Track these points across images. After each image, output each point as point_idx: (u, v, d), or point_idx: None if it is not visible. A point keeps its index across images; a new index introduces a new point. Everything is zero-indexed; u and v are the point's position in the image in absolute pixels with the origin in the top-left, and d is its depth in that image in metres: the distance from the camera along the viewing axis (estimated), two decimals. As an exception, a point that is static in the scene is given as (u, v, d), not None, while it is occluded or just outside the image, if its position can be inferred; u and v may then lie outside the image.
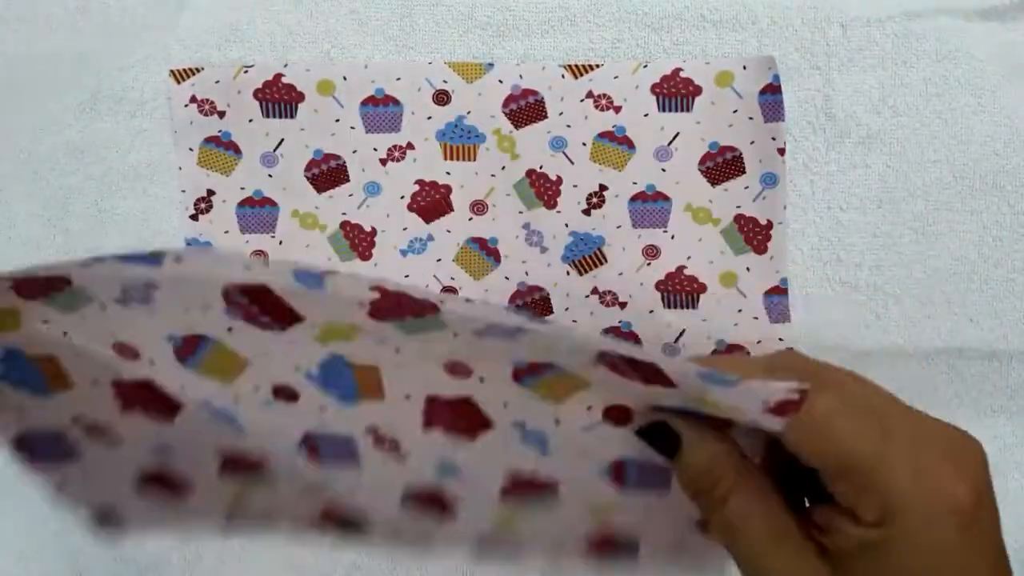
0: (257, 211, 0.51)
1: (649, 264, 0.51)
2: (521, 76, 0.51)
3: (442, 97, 0.51)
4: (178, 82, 0.51)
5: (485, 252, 0.51)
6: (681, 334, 0.50)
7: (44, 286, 0.39)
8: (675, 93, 0.51)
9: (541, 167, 0.51)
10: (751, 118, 0.50)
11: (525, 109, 0.51)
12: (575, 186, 0.50)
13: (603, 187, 0.50)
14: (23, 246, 0.50)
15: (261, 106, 0.51)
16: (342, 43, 0.51)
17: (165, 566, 0.49)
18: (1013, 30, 0.52)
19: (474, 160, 0.51)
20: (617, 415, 0.37)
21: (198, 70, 0.51)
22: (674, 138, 0.51)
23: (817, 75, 0.51)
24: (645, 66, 0.51)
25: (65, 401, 0.43)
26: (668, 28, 0.51)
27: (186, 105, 0.50)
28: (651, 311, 0.50)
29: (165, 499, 0.45)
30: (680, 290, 0.50)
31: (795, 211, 0.50)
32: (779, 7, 0.51)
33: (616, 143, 0.51)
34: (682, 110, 0.51)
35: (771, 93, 0.50)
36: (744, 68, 0.51)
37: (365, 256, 0.50)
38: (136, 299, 0.39)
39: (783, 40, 0.51)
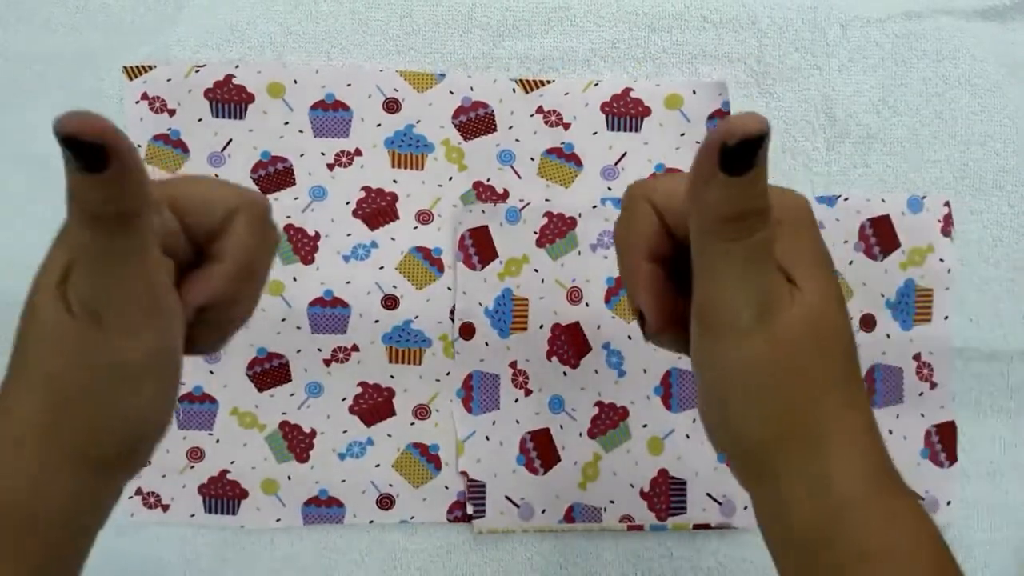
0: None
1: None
2: (472, 88, 0.51)
3: (392, 105, 0.51)
4: (131, 78, 0.50)
5: (428, 261, 0.50)
6: None
7: (556, 233, 0.50)
8: (624, 113, 0.51)
9: (488, 180, 0.51)
10: (698, 142, 0.50)
11: (475, 121, 0.51)
12: (521, 200, 0.50)
13: (548, 203, 0.50)
14: (23, 246, 0.50)
15: (211, 106, 0.51)
16: (342, 43, 0.51)
17: (165, 566, 0.49)
18: (1013, 30, 0.52)
19: (422, 169, 0.51)
20: (867, 322, 0.49)
21: (151, 68, 0.51)
22: (621, 158, 0.51)
23: (817, 75, 0.51)
24: (596, 84, 0.51)
25: (514, 344, 0.49)
26: (668, 28, 0.51)
27: (137, 102, 0.50)
28: None
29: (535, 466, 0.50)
30: None
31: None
32: (779, 7, 0.51)
33: (564, 160, 0.51)
34: (630, 130, 0.51)
35: (720, 119, 0.50)
36: (694, 92, 0.51)
37: (307, 260, 0.50)
38: (604, 244, 0.49)
39: (783, 40, 0.51)
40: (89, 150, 0.21)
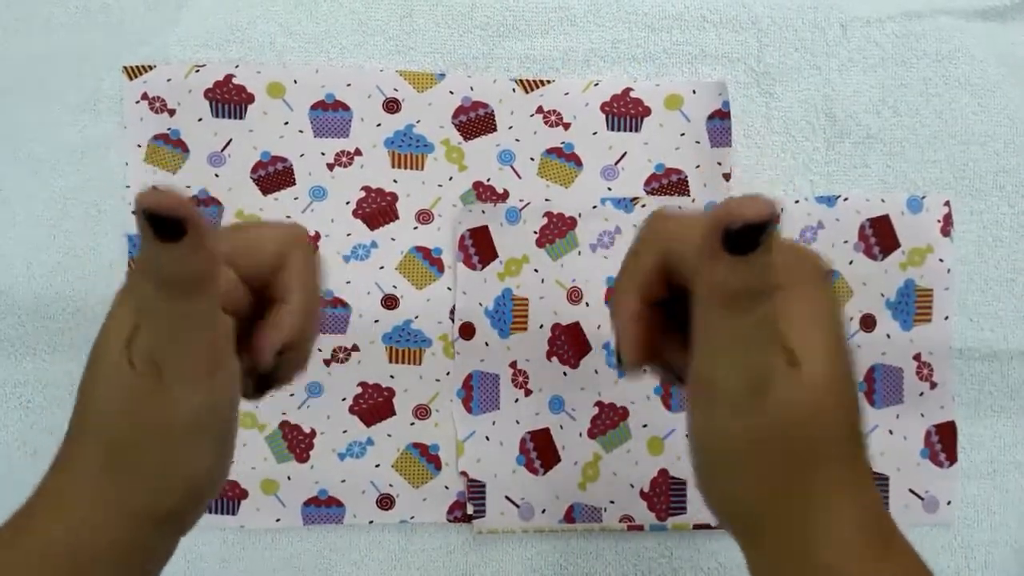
0: (201, 211, 0.50)
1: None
2: (472, 88, 0.51)
3: (392, 105, 0.51)
4: (131, 78, 0.50)
5: (428, 261, 0.50)
6: None
7: (556, 233, 0.49)
8: (624, 113, 0.51)
9: (488, 180, 0.51)
10: (698, 142, 0.51)
11: (475, 121, 0.51)
12: (521, 200, 0.50)
13: (548, 203, 0.50)
14: (23, 246, 0.50)
15: (211, 106, 0.51)
16: (342, 43, 0.51)
17: (166, 565, 0.49)
18: (1013, 30, 0.52)
19: (422, 169, 0.51)
20: (867, 322, 0.49)
21: (151, 67, 0.51)
22: (621, 158, 0.51)
23: (817, 75, 0.51)
24: (596, 84, 0.51)
25: (514, 344, 0.49)
26: (668, 28, 0.51)
27: (137, 102, 0.50)
28: None
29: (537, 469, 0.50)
30: None
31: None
32: (779, 7, 0.51)
33: (564, 159, 0.51)
34: (630, 130, 0.51)
35: (719, 119, 0.51)
36: (694, 92, 0.51)
37: None
38: (603, 244, 0.49)
39: (783, 40, 0.51)
40: (166, 223, 0.23)
